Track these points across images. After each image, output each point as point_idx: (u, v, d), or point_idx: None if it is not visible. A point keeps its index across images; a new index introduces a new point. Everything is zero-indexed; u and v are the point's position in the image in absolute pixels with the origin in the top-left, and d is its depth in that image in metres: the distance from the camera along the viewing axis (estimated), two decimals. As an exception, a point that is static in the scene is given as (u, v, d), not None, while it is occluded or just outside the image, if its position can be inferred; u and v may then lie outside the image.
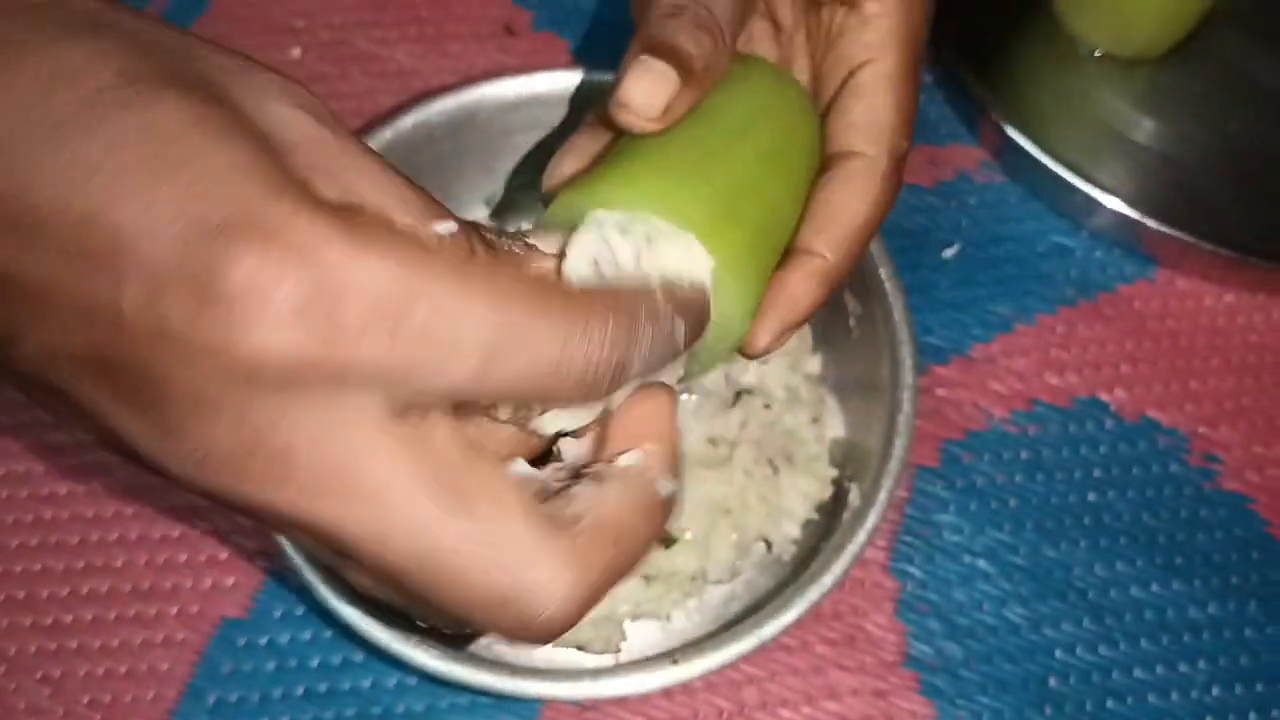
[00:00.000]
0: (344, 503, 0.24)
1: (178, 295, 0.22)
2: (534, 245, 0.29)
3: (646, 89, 0.32)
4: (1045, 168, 0.57)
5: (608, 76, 0.48)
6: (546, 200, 0.35)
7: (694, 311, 0.29)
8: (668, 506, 0.28)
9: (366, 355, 0.23)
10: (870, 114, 0.37)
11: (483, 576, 0.25)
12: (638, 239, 0.30)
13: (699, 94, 0.34)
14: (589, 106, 0.39)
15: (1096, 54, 0.61)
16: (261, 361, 0.22)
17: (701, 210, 0.32)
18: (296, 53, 0.61)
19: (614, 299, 0.26)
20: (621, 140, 0.34)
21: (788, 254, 0.36)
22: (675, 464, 0.29)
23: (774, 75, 0.39)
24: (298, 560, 0.41)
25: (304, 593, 0.41)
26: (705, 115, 0.34)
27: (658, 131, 0.33)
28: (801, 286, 0.35)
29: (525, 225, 0.32)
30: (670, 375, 0.31)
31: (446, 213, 0.26)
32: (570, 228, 0.31)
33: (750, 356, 0.35)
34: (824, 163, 0.38)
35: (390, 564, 0.25)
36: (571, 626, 0.26)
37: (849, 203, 0.36)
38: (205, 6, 0.62)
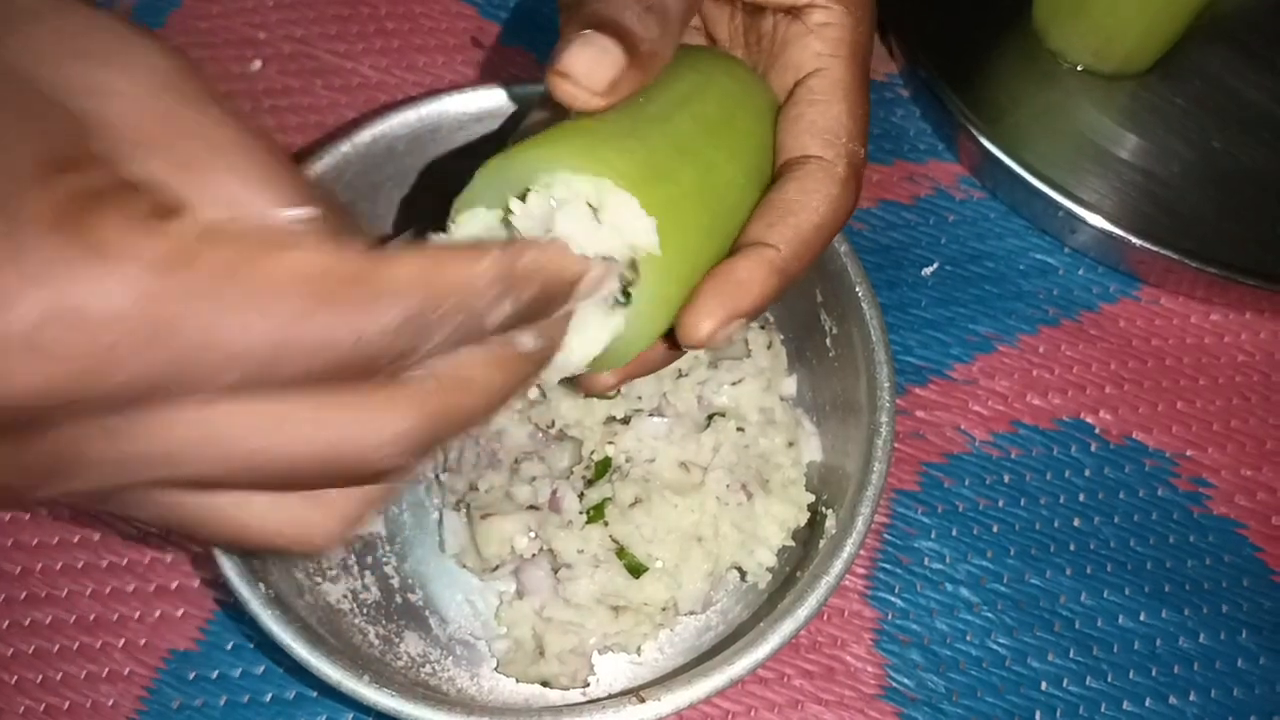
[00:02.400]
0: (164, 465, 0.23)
1: None
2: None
3: (590, 60, 0.31)
4: (1026, 183, 0.56)
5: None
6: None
7: (534, 284, 0.26)
8: (533, 360, 0.28)
9: (121, 377, 0.21)
10: (825, 120, 0.36)
11: (316, 435, 0.24)
12: (574, 202, 0.29)
13: (645, 78, 0.32)
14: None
15: (1078, 69, 0.60)
16: None
17: (633, 165, 0.30)
18: (257, 65, 0.59)
19: (411, 283, 0.24)
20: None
21: (736, 248, 0.34)
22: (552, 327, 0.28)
23: (722, 56, 0.38)
24: (245, 594, 0.39)
25: (256, 624, 0.40)
26: (644, 91, 0.33)
27: (601, 109, 0.31)
28: (749, 273, 0.33)
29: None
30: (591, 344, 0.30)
31: (294, 181, 0.24)
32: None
33: (690, 344, 0.33)
34: (777, 171, 0.37)
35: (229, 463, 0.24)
36: (405, 463, 0.25)
37: (805, 200, 0.35)
38: (163, 20, 0.60)
